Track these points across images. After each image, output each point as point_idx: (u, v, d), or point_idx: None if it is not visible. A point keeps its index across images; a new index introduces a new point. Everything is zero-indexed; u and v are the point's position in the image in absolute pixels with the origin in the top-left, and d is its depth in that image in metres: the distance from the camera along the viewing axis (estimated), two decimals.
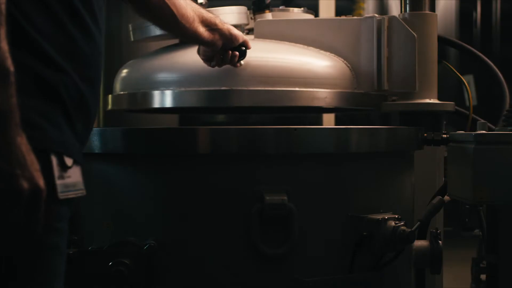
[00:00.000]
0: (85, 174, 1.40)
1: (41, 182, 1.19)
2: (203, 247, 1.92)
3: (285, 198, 1.89)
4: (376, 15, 2.46)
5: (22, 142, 1.18)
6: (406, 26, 2.43)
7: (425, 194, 2.38)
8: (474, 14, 8.36)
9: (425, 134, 2.29)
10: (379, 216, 1.95)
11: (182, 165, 1.94)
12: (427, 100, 2.51)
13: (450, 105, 2.55)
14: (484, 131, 2.02)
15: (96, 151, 1.99)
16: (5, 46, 1.16)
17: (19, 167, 1.17)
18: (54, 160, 1.30)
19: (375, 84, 2.42)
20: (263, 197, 1.88)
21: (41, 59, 1.32)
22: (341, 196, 1.99)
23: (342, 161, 1.99)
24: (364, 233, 1.95)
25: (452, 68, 2.62)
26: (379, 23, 2.43)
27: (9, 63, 1.16)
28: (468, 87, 2.72)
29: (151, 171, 1.97)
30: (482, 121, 2.13)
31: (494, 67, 2.72)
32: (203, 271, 1.92)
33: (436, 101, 2.53)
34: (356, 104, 2.40)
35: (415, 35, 2.42)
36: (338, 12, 5.91)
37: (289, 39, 2.43)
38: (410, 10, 2.53)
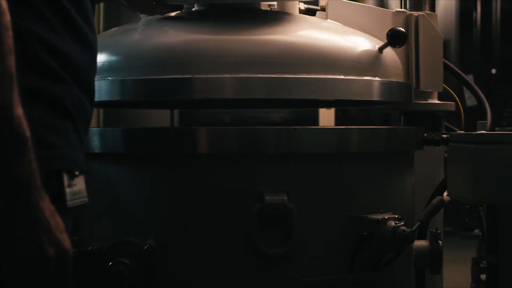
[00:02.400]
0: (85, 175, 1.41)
1: (67, 243, 1.19)
2: (203, 247, 1.92)
3: (285, 198, 1.89)
4: (406, 11, 2.45)
5: (45, 206, 1.17)
6: (434, 25, 2.42)
7: (425, 194, 2.38)
8: (474, 14, 8.37)
9: (425, 134, 2.29)
10: (379, 216, 1.95)
11: (182, 165, 1.94)
12: (428, 100, 2.51)
13: (450, 105, 2.55)
14: (484, 131, 2.02)
15: (96, 151, 1.99)
16: (19, 112, 1.13)
17: (44, 233, 1.16)
18: (65, 174, 1.31)
19: (412, 82, 2.39)
20: (263, 197, 1.88)
21: (46, 74, 1.31)
22: (341, 196, 1.99)
23: (342, 161, 1.99)
24: (364, 233, 1.95)
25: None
26: (416, 20, 2.41)
27: (25, 128, 1.14)
28: (459, 101, 2.72)
29: (151, 171, 1.97)
30: (482, 121, 2.13)
31: (473, 85, 2.71)
32: (203, 271, 1.92)
33: (437, 101, 2.53)
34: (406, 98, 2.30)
35: (441, 35, 2.42)
36: None
37: (353, 25, 2.29)
38: (410, 10, 2.53)
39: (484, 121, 2.14)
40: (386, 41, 2.07)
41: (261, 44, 1.97)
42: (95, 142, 1.99)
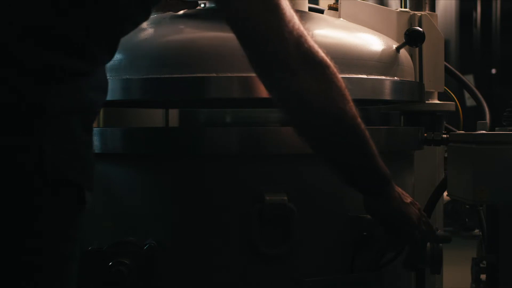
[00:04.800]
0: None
1: None
2: (203, 247, 1.92)
3: (285, 198, 1.89)
4: (410, 11, 2.46)
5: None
6: (436, 25, 2.43)
7: (425, 194, 2.38)
8: (474, 14, 8.36)
9: (425, 134, 2.29)
10: None
11: (182, 165, 1.94)
12: (429, 100, 2.51)
13: (451, 105, 2.55)
14: (484, 131, 2.02)
15: (96, 151, 1.99)
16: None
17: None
18: None
19: (417, 81, 2.40)
20: (263, 197, 1.88)
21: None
22: (342, 196, 1.99)
23: None
24: (364, 233, 1.95)
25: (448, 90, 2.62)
26: (419, 20, 2.41)
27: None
28: (458, 102, 2.72)
29: (151, 171, 1.97)
30: (482, 121, 2.13)
31: (473, 88, 2.72)
32: (203, 271, 1.92)
33: (437, 101, 2.53)
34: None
35: (442, 35, 2.42)
36: None
37: (361, 23, 2.30)
38: (410, 10, 2.53)
39: (484, 121, 2.14)
40: (404, 41, 2.07)
41: None
42: (95, 142, 1.99)
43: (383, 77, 2.04)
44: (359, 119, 1.66)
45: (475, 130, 2.05)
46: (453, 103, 2.58)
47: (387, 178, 1.77)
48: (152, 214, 1.96)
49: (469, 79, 2.74)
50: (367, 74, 2.00)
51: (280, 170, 1.93)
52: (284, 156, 1.93)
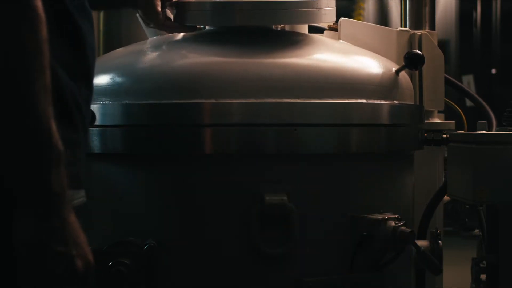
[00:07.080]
0: (85, 174, 1.41)
1: (91, 257, 1.22)
2: (203, 247, 1.92)
3: (285, 198, 1.89)
4: (410, 30, 2.46)
5: (73, 219, 1.19)
6: (435, 43, 2.43)
7: (425, 194, 2.38)
8: (474, 14, 8.38)
9: (425, 134, 2.29)
10: (379, 216, 1.95)
11: (182, 165, 1.95)
12: (429, 119, 2.52)
13: (451, 124, 2.56)
14: (484, 131, 2.02)
15: (96, 151, 1.99)
16: (55, 127, 1.14)
17: (75, 246, 1.18)
18: None
19: (416, 102, 2.39)
20: (263, 197, 1.88)
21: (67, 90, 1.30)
22: (341, 196, 1.99)
23: (342, 161, 1.99)
24: (364, 233, 1.95)
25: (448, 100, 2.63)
26: (419, 39, 2.42)
27: (60, 143, 1.15)
28: (459, 109, 2.72)
29: (151, 171, 1.98)
30: (482, 121, 2.13)
31: (476, 96, 2.72)
32: (203, 271, 1.92)
33: (437, 120, 2.54)
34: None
35: (442, 54, 2.43)
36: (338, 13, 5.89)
37: (361, 44, 2.29)
38: (410, 28, 2.53)
39: (484, 121, 2.14)
40: (404, 64, 2.07)
41: (283, 67, 1.98)
42: (95, 142, 1.99)
43: (383, 102, 2.03)
44: None
45: (475, 130, 2.05)
46: (453, 121, 2.59)
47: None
48: (152, 214, 1.96)
49: (469, 79, 2.75)
50: (366, 99, 2.00)
51: (280, 170, 1.93)
52: (284, 156, 1.94)
